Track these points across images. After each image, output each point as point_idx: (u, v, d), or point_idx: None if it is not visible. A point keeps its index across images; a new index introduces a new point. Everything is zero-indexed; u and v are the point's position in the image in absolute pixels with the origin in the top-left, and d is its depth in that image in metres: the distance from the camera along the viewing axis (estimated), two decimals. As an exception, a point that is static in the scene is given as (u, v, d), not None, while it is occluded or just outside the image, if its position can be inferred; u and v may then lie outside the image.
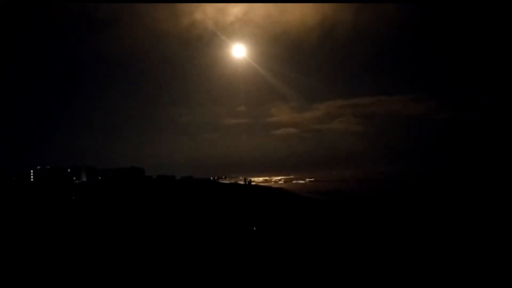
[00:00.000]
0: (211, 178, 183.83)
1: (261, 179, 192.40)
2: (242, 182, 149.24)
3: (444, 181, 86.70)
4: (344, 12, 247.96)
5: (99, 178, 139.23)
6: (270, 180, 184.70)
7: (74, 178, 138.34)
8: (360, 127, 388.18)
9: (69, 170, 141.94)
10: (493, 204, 32.32)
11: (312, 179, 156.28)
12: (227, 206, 33.09)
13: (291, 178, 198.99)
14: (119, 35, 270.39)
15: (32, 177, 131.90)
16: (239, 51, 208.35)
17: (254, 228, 18.02)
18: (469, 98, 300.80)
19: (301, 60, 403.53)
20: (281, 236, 16.32)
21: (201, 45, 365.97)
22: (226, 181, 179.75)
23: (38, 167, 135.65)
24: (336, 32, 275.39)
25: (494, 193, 45.16)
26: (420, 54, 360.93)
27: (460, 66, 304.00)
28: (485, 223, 22.03)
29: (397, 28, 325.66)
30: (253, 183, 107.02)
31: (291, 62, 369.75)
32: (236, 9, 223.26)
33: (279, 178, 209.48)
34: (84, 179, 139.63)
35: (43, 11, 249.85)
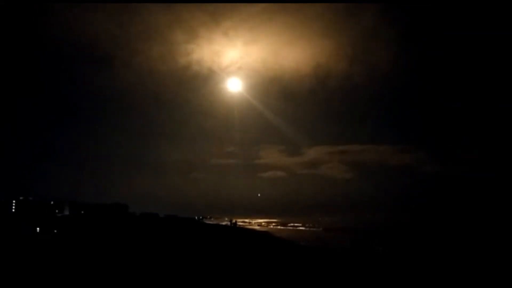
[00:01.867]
0: (196, 218, 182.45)
1: (240, 221, 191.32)
2: (226, 223, 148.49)
3: (423, 232, 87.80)
4: (338, 62, 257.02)
5: (82, 212, 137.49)
6: (250, 222, 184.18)
7: (57, 211, 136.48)
8: (348, 175, 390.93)
9: (52, 202, 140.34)
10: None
11: (294, 225, 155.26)
12: (210, 249, 33.65)
13: (272, 222, 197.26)
14: (114, 72, 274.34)
15: (14, 207, 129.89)
16: (233, 88, 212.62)
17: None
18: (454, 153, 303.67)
19: (294, 104, 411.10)
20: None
21: (195, 84, 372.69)
22: (211, 221, 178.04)
23: (21, 198, 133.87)
24: (329, 80, 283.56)
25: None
26: (412, 106, 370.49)
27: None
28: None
29: (390, 80, 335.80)
30: (238, 225, 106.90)
31: (283, 105, 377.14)
32: (232, 53, 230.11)
33: (261, 221, 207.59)
34: (67, 212, 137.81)
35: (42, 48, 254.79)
